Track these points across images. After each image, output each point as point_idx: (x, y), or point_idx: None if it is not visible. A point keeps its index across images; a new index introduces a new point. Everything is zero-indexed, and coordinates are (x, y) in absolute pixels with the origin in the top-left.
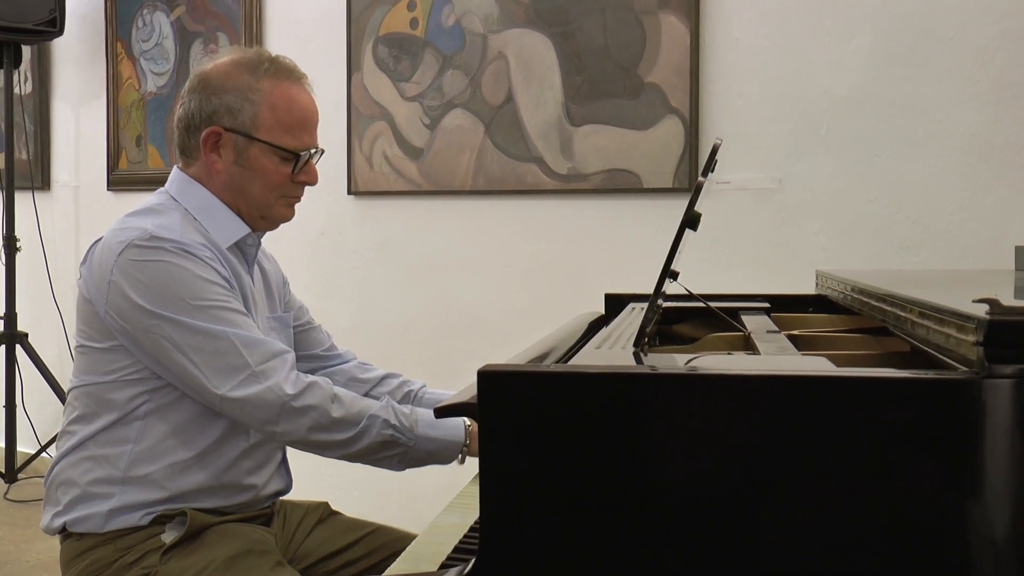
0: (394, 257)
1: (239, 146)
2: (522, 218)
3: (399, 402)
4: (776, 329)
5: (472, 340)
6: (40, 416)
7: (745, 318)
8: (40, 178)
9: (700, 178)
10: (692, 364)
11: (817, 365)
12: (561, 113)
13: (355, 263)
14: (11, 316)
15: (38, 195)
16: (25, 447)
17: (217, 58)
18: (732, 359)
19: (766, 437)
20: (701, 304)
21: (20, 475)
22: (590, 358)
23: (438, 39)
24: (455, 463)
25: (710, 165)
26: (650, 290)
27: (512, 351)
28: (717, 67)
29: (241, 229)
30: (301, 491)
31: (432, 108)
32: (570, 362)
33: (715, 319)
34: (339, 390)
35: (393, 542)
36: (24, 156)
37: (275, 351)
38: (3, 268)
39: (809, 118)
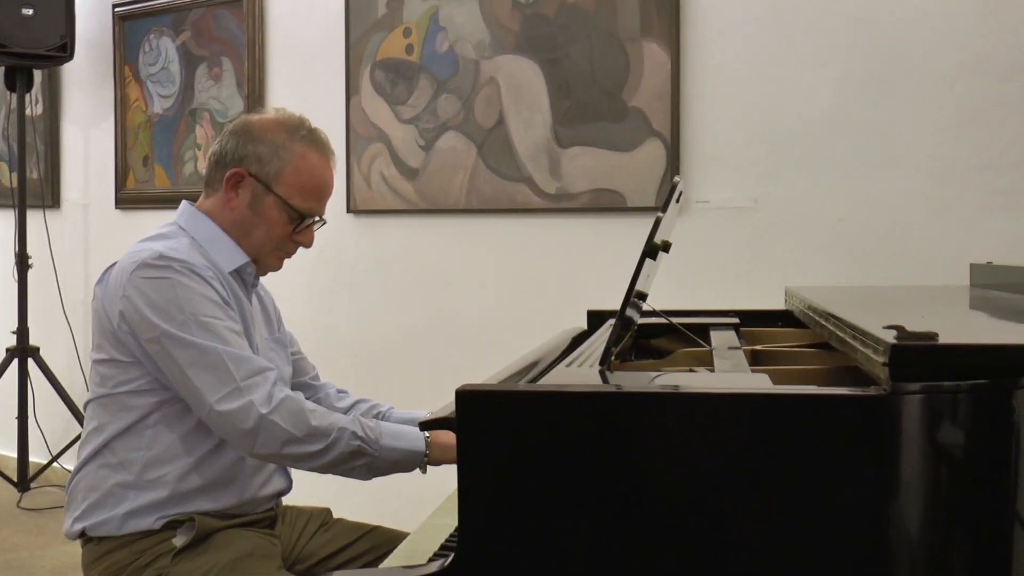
0: (391, 272)
1: (256, 192)
2: (513, 235)
3: None
4: (738, 345)
5: (465, 351)
6: (50, 427)
7: (714, 333)
8: (51, 197)
9: (659, 214)
10: (638, 383)
11: (751, 383)
12: (549, 135)
13: (354, 278)
14: (23, 331)
15: (49, 213)
16: (37, 457)
17: (264, 113)
18: (688, 376)
19: (704, 448)
20: (673, 320)
21: (32, 484)
22: (560, 377)
23: (432, 64)
24: (417, 472)
25: (669, 201)
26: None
27: (502, 362)
28: (697, 92)
29: (241, 257)
30: (304, 497)
31: (427, 130)
32: (542, 380)
33: (688, 334)
34: (310, 405)
35: (390, 540)
36: (35, 176)
37: (259, 368)
38: (16, 284)
39: (784, 141)
